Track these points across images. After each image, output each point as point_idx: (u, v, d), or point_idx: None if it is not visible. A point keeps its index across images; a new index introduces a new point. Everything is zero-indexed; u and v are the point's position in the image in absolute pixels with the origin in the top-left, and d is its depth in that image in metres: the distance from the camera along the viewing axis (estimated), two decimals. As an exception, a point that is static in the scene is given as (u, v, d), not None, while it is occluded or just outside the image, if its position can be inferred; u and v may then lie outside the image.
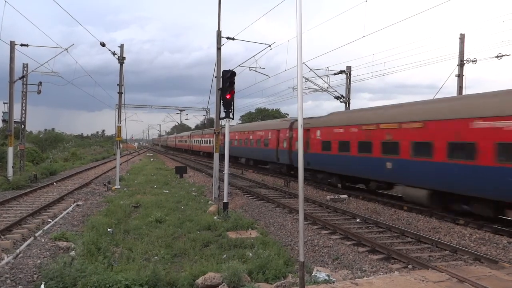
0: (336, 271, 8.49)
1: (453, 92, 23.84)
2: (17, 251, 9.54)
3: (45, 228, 12.13)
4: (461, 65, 23.54)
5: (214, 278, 7.45)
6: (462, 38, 23.64)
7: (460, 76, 23.58)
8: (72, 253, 9.29)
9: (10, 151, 25.04)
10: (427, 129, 14.37)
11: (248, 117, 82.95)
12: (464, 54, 23.56)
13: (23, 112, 29.01)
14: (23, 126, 29.55)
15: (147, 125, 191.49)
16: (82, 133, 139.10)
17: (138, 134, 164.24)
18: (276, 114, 79.36)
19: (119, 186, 22.59)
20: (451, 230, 12.37)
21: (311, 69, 28.58)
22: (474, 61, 23.38)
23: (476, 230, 12.21)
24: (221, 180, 17.22)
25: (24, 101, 28.81)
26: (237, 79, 14.05)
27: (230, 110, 13.84)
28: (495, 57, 22.18)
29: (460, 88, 23.46)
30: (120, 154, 26.68)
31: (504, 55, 21.93)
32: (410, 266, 8.93)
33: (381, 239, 11.40)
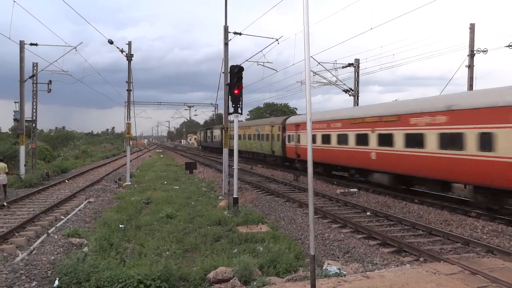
0: (347, 264, 8.48)
1: (464, 83, 23.53)
2: (31, 247, 9.70)
3: (57, 225, 12.30)
4: (471, 55, 23.18)
5: (225, 273, 7.49)
6: (472, 28, 23.25)
7: (470, 66, 23.22)
8: (85, 249, 9.42)
9: (22, 149, 25.39)
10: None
11: (257, 112, 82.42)
12: (475, 44, 23.21)
13: (34, 111, 29.37)
14: (34, 124, 29.93)
15: (156, 122, 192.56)
16: (92, 131, 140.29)
17: (148, 131, 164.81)
18: (284, 109, 78.84)
19: (129, 183, 22.78)
20: (463, 222, 12.26)
21: (319, 63, 28.48)
22: (485, 51, 23.02)
23: (489, 222, 12.09)
24: (230, 175, 17.26)
25: (34, 100, 29.16)
26: (245, 74, 14.03)
27: (238, 105, 13.84)
28: (507, 46, 21.81)
29: (470, 78, 23.10)
30: (130, 151, 26.89)
31: (516, 45, 21.54)
32: (421, 259, 8.87)
33: (392, 232, 11.34)
